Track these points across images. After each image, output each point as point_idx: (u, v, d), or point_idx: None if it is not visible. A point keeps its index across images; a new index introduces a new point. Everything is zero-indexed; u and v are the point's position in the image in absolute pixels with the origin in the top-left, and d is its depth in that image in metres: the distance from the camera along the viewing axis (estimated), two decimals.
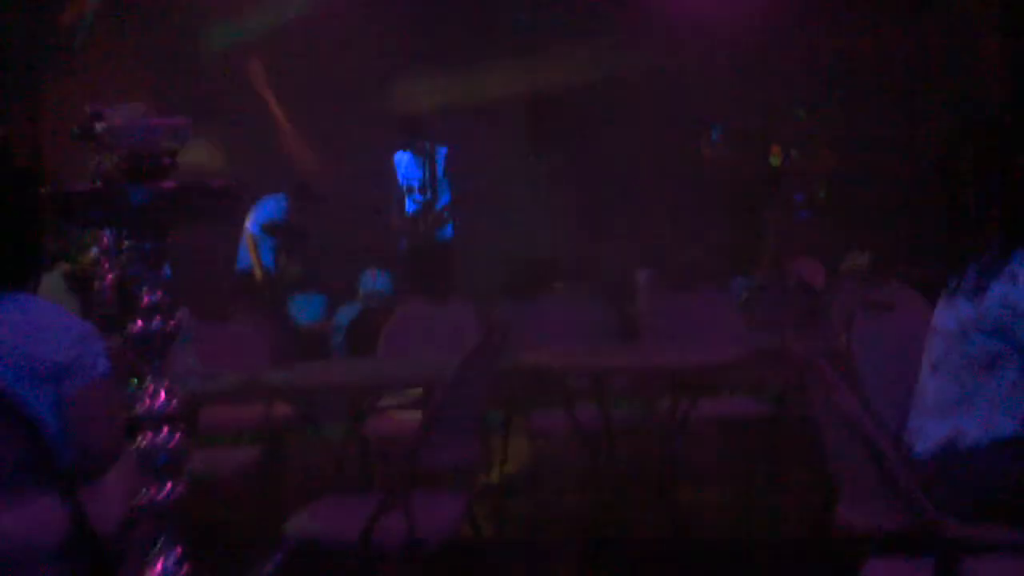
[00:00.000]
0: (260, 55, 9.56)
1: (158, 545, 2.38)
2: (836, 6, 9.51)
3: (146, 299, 2.39)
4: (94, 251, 4.08)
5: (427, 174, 8.22)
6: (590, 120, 9.64)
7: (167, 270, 2.52)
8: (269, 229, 8.49)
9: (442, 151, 8.31)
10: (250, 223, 8.68)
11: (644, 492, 4.78)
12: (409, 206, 8.35)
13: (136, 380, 2.48)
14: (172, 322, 2.42)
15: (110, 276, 3.71)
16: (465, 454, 3.65)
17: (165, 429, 2.40)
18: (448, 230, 8.45)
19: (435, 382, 3.50)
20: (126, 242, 2.35)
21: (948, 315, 2.88)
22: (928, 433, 2.84)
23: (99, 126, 2.30)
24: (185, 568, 2.40)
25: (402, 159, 8.37)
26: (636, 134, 9.65)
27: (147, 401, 2.41)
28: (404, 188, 8.35)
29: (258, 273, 8.60)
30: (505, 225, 8.96)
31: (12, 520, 2.63)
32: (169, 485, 2.40)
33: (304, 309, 9.03)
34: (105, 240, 3.90)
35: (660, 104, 9.57)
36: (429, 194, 8.23)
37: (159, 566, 2.39)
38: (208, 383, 3.92)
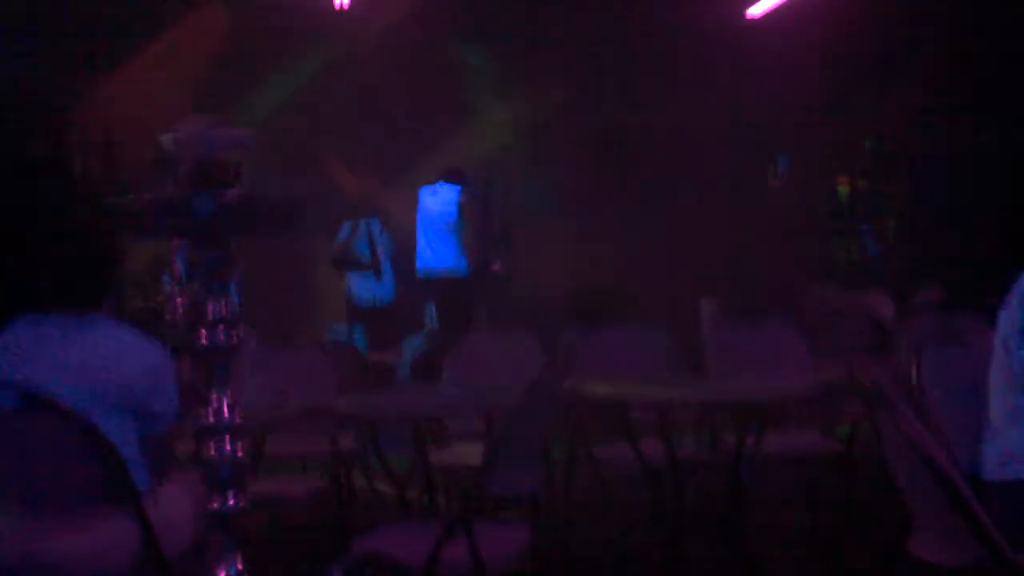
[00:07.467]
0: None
1: (220, 554, 2.39)
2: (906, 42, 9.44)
3: (211, 310, 2.41)
4: (165, 279, 4.12)
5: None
6: (656, 151, 9.63)
7: (236, 297, 2.53)
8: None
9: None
10: None
11: (709, 526, 4.70)
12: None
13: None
14: (236, 335, 2.43)
15: (180, 300, 3.75)
16: (528, 484, 3.63)
17: (228, 441, 2.42)
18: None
19: (498, 411, 3.49)
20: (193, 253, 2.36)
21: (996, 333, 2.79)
22: (984, 456, 2.75)
23: (166, 138, 2.32)
24: None
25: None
26: (702, 164, 9.62)
27: (211, 415, 2.43)
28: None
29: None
30: (569, 255, 8.97)
31: (84, 539, 2.65)
32: (232, 497, 2.41)
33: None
34: (176, 267, 3.96)
35: (726, 134, 9.53)
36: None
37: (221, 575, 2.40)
38: (274, 410, 3.94)
